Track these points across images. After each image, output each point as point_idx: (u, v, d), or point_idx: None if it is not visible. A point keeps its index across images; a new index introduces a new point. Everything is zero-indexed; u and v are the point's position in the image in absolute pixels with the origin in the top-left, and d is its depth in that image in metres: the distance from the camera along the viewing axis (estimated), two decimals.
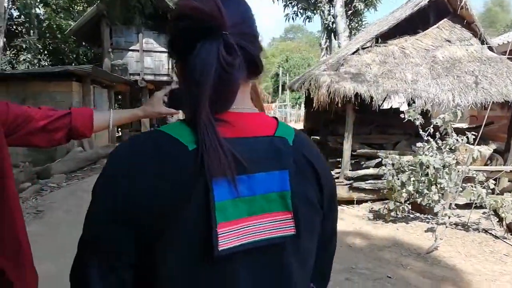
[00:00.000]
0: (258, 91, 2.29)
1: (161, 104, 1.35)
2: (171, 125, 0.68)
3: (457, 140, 4.51)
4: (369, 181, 5.85)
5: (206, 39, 0.63)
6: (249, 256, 0.65)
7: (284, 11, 12.93)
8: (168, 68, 14.55)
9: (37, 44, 15.88)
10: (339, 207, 5.87)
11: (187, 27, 0.65)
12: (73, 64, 15.80)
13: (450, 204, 4.57)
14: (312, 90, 6.09)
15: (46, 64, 17.05)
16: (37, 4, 16.53)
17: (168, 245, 0.61)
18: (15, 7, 15.96)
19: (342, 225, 5.17)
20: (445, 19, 6.60)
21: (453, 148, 4.57)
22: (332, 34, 10.99)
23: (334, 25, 10.66)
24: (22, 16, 16.62)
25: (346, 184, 5.89)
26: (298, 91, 6.99)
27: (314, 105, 5.90)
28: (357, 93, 5.40)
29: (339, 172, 6.03)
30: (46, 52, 17.53)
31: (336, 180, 5.94)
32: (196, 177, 0.60)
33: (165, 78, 14.46)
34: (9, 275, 1.11)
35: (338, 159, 6.12)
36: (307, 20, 12.51)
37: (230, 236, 0.62)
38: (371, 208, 5.76)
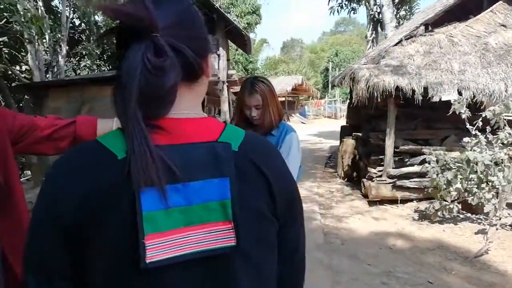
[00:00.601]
0: (273, 93, 2.25)
1: None
2: (107, 134, 0.67)
3: (509, 134, 4.12)
4: (414, 179, 5.54)
5: (135, 42, 0.61)
6: (190, 267, 0.63)
7: (328, 4, 12.60)
8: (217, 68, 14.89)
9: (96, 51, 16.93)
10: (382, 207, 5.65)
11: (118, 31, 0.65)
12: None
13: (504, 203, 4.19)
14: (351, 85, 5.91)
15: (106, 69, 18.14)
16: (95, 11, 17.56)
17: (97, 257, 0.61)
18: (77, 16, 17.12)
19: (383, 225, 4.95)
20: (500, 2, 6.04)
21: (505, 142, 4.17)
22: (379, 25, 10.52)
23: (380, 16, 10.20)
24: (82, 24, 17.82)
25: (389, 183, 5.63)
26: (339, 86, 6.79)
27: (353, 100, 5.69)
28: (397, 86, 5.12)
29: (381, 170, 5.77)
30: (105, 58, 18.65)
31: (378, 179, 5.71)
32: (124, 187, 0.59)
33: (212, 78, 14.78)
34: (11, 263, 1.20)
35: (380, 157, 5.85)
36: (352, 12, 12.12)
37: (162, 247, 0.60)
38: (417, 208, 5.45)
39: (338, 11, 12.80)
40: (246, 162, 0.68)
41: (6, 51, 10.59)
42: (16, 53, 11.27)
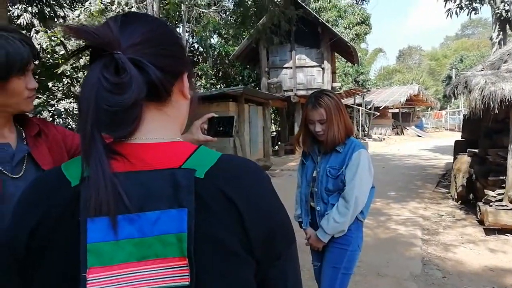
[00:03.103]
0: (339, 107, 2.10)
1: (199, 131, 1.37)
2: (74, 159, 0.67)
3: None
4: None
5: (97, 60, 0.60)
6: None
7: (444, 6, 11.44)
8: (321, 82, 14.77)
9: (210, 71, 18.39)
10: (502, 237, 4.80)
11: (84, 51, 0.64)
12: (239, 85, 17.63)
13: None
14: (464, 94, 5.22)
15: (218, 87, 19.56)
16: (212, 35, 19.18)
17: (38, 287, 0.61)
18: (195, 40, 18.88)
19: (501, 259, 4.16)
20: None
21: None
22: (507, 24, 9.09)
23: (508, 14, 8.82)
24: (199, 48, 19.59)
25: None
26: (451, 96, 6.05)
27: (466, 112, 5.00)
28: None
29: (502, 193, 4.90)
30: (218, 77, 20.14)
31: (497, 203, 4.86)
32: (72, 216, 0.58)
33: None
34: None
35: (501, 177, 4.99)
36: (473, 12, 10.73)
37: (106, 282, 0.56)
38: None
39: (457, 13, 11.51)
40: (212, 190, 0.61)
41: None
42: None
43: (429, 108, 32.94)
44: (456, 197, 6.57)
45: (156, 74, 0.62)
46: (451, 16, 11.48)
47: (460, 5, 11.10)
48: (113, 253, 0.57)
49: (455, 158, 6.97)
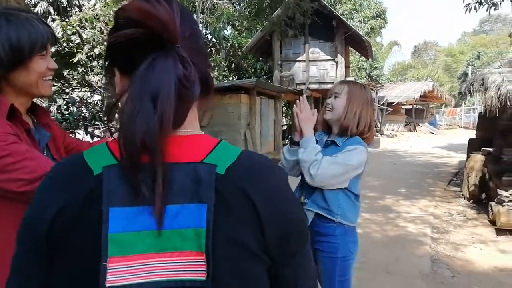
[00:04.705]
0: (366, 100, 2.05)
1: None
2: (95, 147, 0.67)
3: None
4: None
5: (159, 52, 0.58)
6: None
7: (463, 1, 11.13)
8: (334, 76, 14.64)
9: (223, 62, 18.34)
10: None
11: (136, 36, 0.58)
12: (252, 78, 17.57)
13: None
14: (479, 92, 5.14)
15: (232, 79, 19.53)
16: (225, 26, 19.13)
17: (60, 276, 0.61)
18: (209, 32, 18.85)
19: None
20: None
21: None
22: None
23: None
24: (213, 39, 19.56)
25: None
26: (466, 93, 5.95)
27: (481, 110, 4.93)
28: None
29: None
30: (230, 69, 20.11)
31: (510, 204, 4.79)
32: (94, 204, 0.58)
33: (329, 86, 14.53)
34: None
35: None
36: (493, 8, 10.44)
37: (127, 272, 0.57)
38: None
39: (476, 9, 11.19)
40: (231, 187, 0.61)
41: None
42: None
43: (444, 105, 32.47)
44: (468, 196, 6.49)
45: (208, 74, 0.65)
46: (469, 12, 11.15)
47: (479, 0, 10.79)
48: (133, 243, 0.57)
49: (468, 157, 6.88)
